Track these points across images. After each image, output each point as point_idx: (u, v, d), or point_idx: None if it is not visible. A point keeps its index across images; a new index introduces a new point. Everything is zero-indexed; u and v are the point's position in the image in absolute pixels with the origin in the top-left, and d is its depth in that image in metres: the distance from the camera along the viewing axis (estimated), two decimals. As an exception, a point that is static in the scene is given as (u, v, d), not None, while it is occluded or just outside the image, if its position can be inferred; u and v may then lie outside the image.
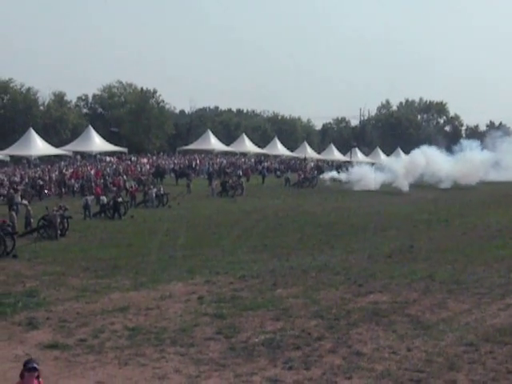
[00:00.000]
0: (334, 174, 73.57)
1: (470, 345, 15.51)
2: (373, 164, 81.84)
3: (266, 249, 29.21)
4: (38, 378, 8.80)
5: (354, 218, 40.68)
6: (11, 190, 46.47)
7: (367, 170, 69.50)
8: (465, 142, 77.76)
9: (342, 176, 70.32)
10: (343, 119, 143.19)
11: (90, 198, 42.96)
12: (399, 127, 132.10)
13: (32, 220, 35.23)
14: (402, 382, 13.25)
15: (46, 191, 52.63)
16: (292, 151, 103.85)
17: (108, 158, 76.87)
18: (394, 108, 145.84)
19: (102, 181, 57.21)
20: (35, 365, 8.76)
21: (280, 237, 32.85)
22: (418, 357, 14.69)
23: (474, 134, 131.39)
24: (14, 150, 67.98)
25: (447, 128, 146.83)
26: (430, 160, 67.67)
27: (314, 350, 15.15)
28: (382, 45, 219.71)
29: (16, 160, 69.90)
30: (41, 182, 53.94)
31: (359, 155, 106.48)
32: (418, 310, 18.79)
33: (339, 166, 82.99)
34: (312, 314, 18.26)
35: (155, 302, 19.60)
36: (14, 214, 35.16)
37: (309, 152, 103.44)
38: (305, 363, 14.22)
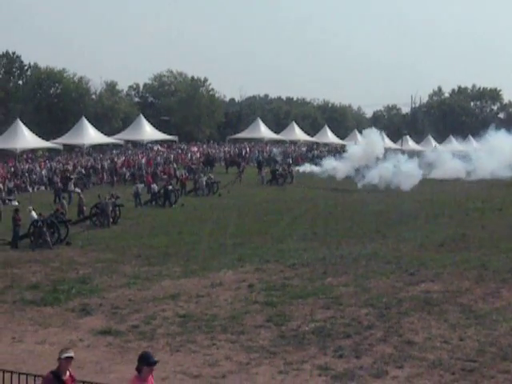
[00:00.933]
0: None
1: (523, 335, 15.28)
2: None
3: (316, 237, 29.13)
4: None
5: (404, 206, 40.26)
6: (59, 180, 47.18)
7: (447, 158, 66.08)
8: None
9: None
10: (394, 106, 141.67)
11: (141, 186, 43.39)
12: (451, 115, 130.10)
13: (85, 208, 35.72)
14: (454, 371, 13.11)
15: (91, 180, 53.22)
16: (342, 139, 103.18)
17: (155, 147, 77.35)
18: (447, 95, 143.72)
19: (153, 169, 57.68)
20: (156, 359, 8.38)
21: (330, 225, 32.68)
22: (471, 346, 14.53)
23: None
24: (67, 139, 68.82)
25: (501, 115, 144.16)
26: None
27: (365, 338, 15.09)
28: (433, 31, 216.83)
29: (69, 149, 70.83)
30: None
31: (410, 143, 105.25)
32: (471, 299, 18.55)
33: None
34: (362, 302, 18.17)
35: (206, 289, 19.73)
36: (64, 202, 35.67)
37: (359, 140, 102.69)
38: (355, 351, 14.18)
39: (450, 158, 65.13)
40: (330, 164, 58.76)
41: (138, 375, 8.24)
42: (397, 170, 52.39)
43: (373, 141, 59.32)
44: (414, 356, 13.92)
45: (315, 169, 59.99)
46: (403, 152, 66.20)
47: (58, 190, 43.45)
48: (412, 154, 68.36)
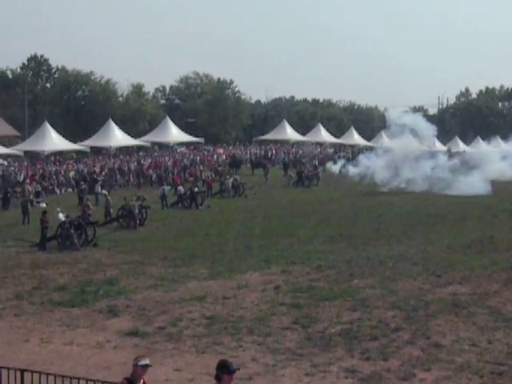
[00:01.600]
0: None
1: (553, 338, 15.10)
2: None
3: (342, 239, 29.03)
4: None
5: (431, 208, 40.00)
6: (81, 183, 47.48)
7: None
8: None
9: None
10: (421, 108, 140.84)
11: (167, 188, 43.55)
12: (479, 116, 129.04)
13: (111, 210, 35.91)
14: (483, 374, 13.00)
15: (118, 182, 53.51)
16: (368, 141, 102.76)
17: (179, 149, 77.51)
18: (474, 96, 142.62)
19: (179, 171, 57.84)
20: (235, 367, 8.18)
21: (356, 227, 32.58)
22: (499, 349, 14.40)
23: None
24: (94, 141, 69.24)
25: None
26: None
27: (392, 340, 15.01)
28: (460, 32, 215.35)
29: (96, 151, 71.28)
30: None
31: (437, 144, 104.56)
32: (499, 301, 18.39)
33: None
34: (389, 304, 18.08)
35: (232, 291, 19.74)
36: (89, 203, 35.83)
37: (385, 141, 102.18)
38: (382, 354, 14.11)
39: (497, 158, 64.08)
40: (365, 163, 57.96)
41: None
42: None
43: (408, 141, 58.32)
44: (441, 359, 13.82)
45: (351, 169, 59.80)
46: (433, 154, 64.90)
47: (82, 191, 43.72)
48: (453, 155, 67.64)
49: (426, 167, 53.66)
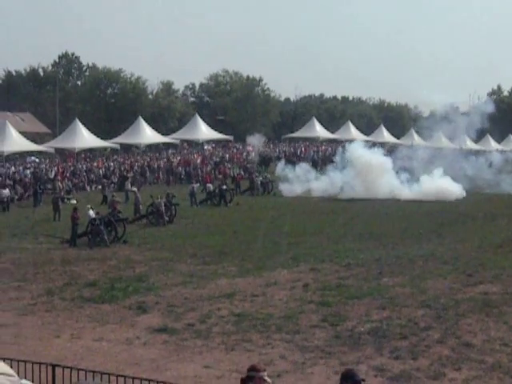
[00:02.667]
0: None
1: None
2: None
3: (371, 237, 28.92)
4: None
5: (462, 207, 39.69)
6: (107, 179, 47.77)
7: None
8: None
9: None
10: (452, 105, 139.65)
11: (196, 186, 43.73)
12: (511, 113, 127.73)
13: (141, 206, 36.11)
14: (514, 375, 12.86)
15: (148, 180, 53.78)
16: (398, 139, 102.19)
17: (206, 147, 77.62)
18: (506, 94, 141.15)
19: (209, 168, 58.05)
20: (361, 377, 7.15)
21: (386, 225, 32.45)
22: (531, 350, 14.23)
23: None
24: (124, 139, 69.69)
25: None
26: None
27: (422, 340, 14.90)
28: (490, 28, 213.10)
29: (126, 148, 71.73)
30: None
31: (468, 142, 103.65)
32: (531, 301, 18.18)
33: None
34: (419, 303, 17.96)
35: (261, 288, 19.75)
36: (116, 199, 35.98)
37: (415, 139, 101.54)
38: (412, 353, 14.01)
39: None
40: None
41: None
42: None
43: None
44: (472, 358, 13.69)
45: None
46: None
47: (105, 188, 44.14)
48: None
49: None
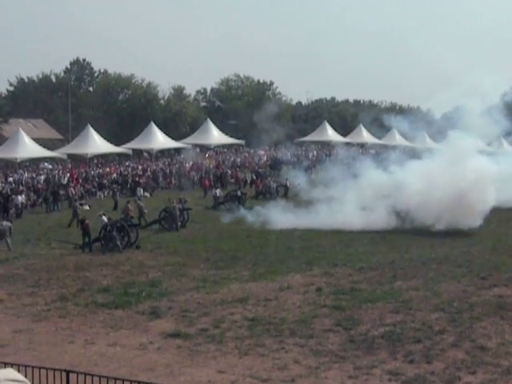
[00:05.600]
0: None
1: None
2: None
3: (384, 240, 28.85)
4: None
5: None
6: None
7: None
8: None
9: None
10: (463, 107, 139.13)
11: (219, 190, 43.94)
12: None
13: (145, 211, 35.60)
14: (529, 378, 12.78)
15: (160, 185, 53.79)
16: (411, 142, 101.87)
17: (211, 152, 77.41)
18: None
19: (220, 172, 58.00)
20: None
21: (398, 228, 32.29)
22: (547, 353, 14.13)
23: None
24: (136, 144, 69.68)
25: None
26: None
27: (436, 343, 14.84)
28: (499, 32, 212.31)
29: (138, 153, 71.80)
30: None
31: (480, 144, 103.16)
32: (546, 304, 18.07)
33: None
34: (433, 306, 17.90)
35: (274, 293, 19.72)
36: (128, 205, 35.86)
37: (428, 142, 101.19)
38: (426, 357, 13.96)
39: None
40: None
41: None
42: None
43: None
44: (487, 362, 13.62)
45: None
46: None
47: (115, 194, 44.18)
48: None
49: None
